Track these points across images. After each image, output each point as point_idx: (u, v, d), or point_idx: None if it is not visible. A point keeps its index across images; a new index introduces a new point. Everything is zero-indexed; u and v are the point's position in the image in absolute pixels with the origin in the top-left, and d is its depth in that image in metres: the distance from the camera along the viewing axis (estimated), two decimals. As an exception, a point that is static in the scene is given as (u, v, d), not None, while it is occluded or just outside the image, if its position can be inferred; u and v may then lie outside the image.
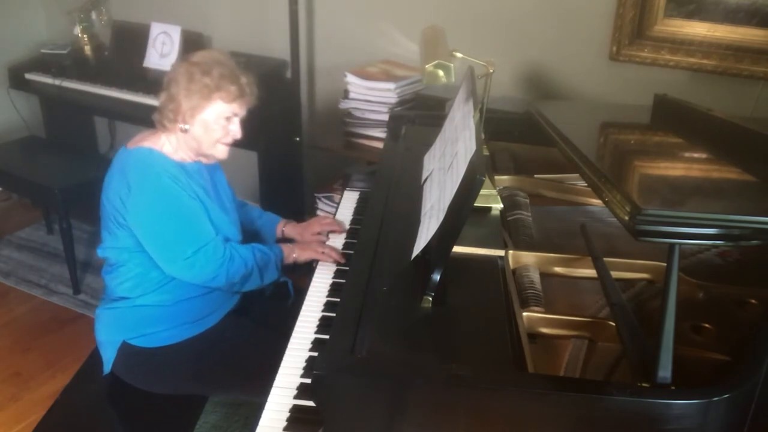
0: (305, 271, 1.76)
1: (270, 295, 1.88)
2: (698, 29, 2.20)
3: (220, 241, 1.64)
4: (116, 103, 3.01)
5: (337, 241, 1.82)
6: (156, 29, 3.16)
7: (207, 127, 1.63)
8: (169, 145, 1.66)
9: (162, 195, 1.59)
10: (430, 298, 1.19)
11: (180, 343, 1.67)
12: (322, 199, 2.82)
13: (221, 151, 1.69)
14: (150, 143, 1.65)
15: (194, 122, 1.62)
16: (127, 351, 1.66)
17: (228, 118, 1.65)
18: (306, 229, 1.91)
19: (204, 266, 1.60)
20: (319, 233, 1.87)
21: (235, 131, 1.68)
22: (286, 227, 1.96)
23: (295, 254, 1.76)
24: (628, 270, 1.37)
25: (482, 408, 1.00)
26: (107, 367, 1.68)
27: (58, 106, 3.46)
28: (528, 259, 1.40)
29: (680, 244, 0.96)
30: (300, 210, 3.11)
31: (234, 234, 1.75)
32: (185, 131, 1.63)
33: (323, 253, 1.72)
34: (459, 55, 1.41)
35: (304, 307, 1.55)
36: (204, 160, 1.73)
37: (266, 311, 1.86)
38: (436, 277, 1.20)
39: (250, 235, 1.94)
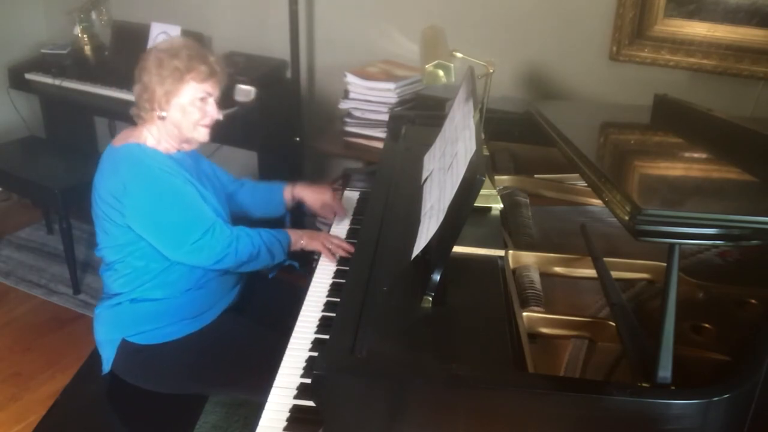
0: (308, 269, 1.76)
1: (273, 277, 1.89)
2: (698, 29, 2.20)
3: (223, 222, 1.66)
4: (116, 103, 3.00)
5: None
6: (156, 29, 3.15)
7: (184, 111, 1.63)
8: (151, 137, 1.66)
9: (159, 186, 1.59)
10: (430, 298, 1.19)
11: (179, 340, 1.67)
12: (322, 199, 2.81)
13: (202, 134, 1.68)
14: (134, 139, 1.66)
15: (170, 107, 1.62)
16: (126, 349, 1.66)
17: (203, 99, 1.65)
18: (319, 193, 1.94)
19: (213, 247, 1.61)
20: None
21: (213, 112, 1.67)
22: (297, 189, 1.97)
23: (303, 241, 1.76)
24: (628, 270, 1.37)
25: (482, 408, 1.00)
26: (106, 367, 1.68)
27: (58, 106, 3.46)
28: (528, 259, 1.40)
29: (680, 244, 0.96)
30: (300, 210, 3.10)
31: (225, 219, 1.75)
32: (163, 118, 1.63)
33: (330, 249, 1.72)
34: (459, 55, 1.41)
35: (304, 307, 1.54)
36: (186, 147, 1.73)
37: (265, 309, 1.86)
38: (436, 277, 1.20)
39: (259, 208, 1.97)
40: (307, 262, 1.81)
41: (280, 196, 1.97)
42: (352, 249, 1.69)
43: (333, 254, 1.71)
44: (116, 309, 1.68)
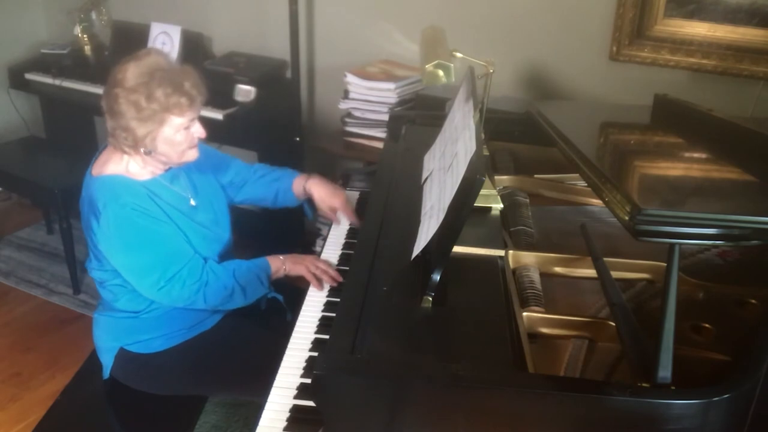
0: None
1: (265, 310, 1.80)
2: (698, 29, 2.20)
3: (196, 264, 1.58)
4: (116, 103, 3.01)
5: (338, 241, 1.82)
6: (156, 29, 3.16)
7: (171, 142, 1.54)
8: (134, 164, 1.58)
9: (128, 227, 1.52)
10: (430, 298, 1.19)
11: (177, 347, 1.66)
12: (322, 199, 2.81)
13: (191, 155, 1.61)
14: (114, 166, 1.57)
15: (156, 143, 1.53)
16: (124, 357, 1.66)
17: (188, 127, 1.56)
18: (330, 195, 1.84)
19: (180, 292, 1.56)
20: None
21: (198, 132, 1.59)
22: (309, 183, 1.87)
23: (285, 267, 1.68)
24: (628, 270, 1.37)
25: (482, 408, 1.00)
26: (106, 373, 1.68)
27: (58, 106, 3.45)
28: (528, 259, 1.39)
29: (680, 244, 0.96)
30: (300, 210, 3.10)
31: (218, 241, 1.70)
32: (149, 153, 1.55)
33: (314, 275, 1.62)
34: (459, 55, 1.41)
35: (304, 307, 1.55)
36: (175, 166, 1.65)
37: (265, 310, 1.85)
38: (436, 277, 1.20)
39: (271, 200, 1.91)
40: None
41: (287, 185, 1.89)
42: (339, 277, 1.61)
43: (319, 281, 1.62)
44: (114, 319, 1.67)
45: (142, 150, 1.54)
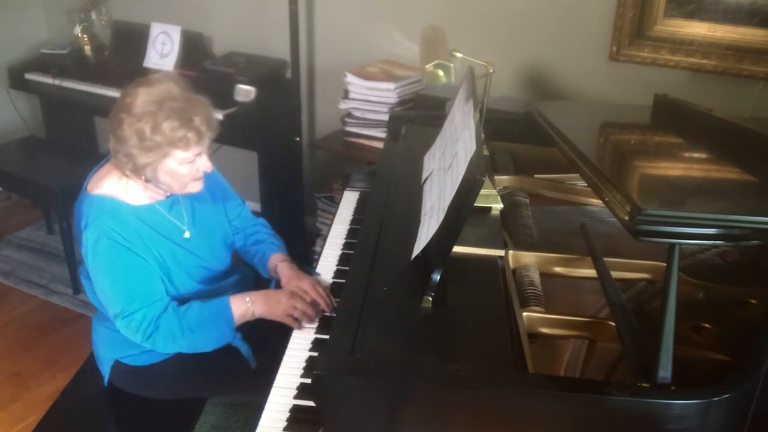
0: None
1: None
2: (698, 29, 2.20)
3: (155, 309, 1.49)
4: (116, 103, 3.01)
5: (338, 241, 1.82)
6: (156, 29, 3.16)
7: (173, 174, 1.48)
8: (134, 185, 1.53)
9: (102, 253, 1.47)
10: (430, 298, 1.19)
11: (172, 357, 1.62)
12: (322, 199, 2.82)
13: (194, 187, 1.54)
14: (110, 184, 1.52)
15: (158, 174, 1.48)
16: (121, 368, 1.65)
17: (192, 161, 1.49)
18: (296, 280, 1.62)
19: (134, 332, 1.49)
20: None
21: (204, 165, 1.51)
22: (280, 266, 1.70)
23: (254, 311, 1.54)
24: (628, 270, 1.37)
25: (482, 408, 1.00)
26: (105, 381, 1.68)
27: (58, 106, 3.46)
28: (528, 259, 1.40)
29: (680, 244, 0.96)
30: (300, 210, 3.11)
31: (209, 269, 1.66)
32: (150, 181, 1.50)
33: (295, 319, 1.49)
34: (459, 55, 1.41)
35: (304, 307, 1.54)
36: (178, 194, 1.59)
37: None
38: (436, 277, 1.20)
39: (249, 258, 1.82)
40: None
41: (266, 255, 1.77)
42: (315, 317, 1.49)
43: (298, 322, 1.49)
44: (108, 329, 1.64)
45: (142, 177, 1.50)
